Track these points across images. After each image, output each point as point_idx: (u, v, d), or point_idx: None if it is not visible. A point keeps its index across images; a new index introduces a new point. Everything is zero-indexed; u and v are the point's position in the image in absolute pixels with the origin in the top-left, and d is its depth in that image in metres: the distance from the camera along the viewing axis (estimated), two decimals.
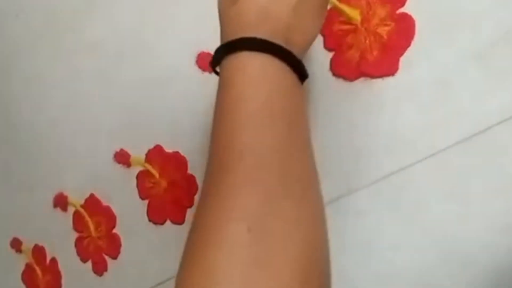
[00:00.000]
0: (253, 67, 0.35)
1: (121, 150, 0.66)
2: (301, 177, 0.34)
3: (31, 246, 0.78)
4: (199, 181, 0.61)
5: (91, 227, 0.70)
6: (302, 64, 0.36)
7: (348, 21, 0.51)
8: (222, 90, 0.36)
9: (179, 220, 0.63)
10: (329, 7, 0.51)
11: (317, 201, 0.35)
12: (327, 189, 0.55)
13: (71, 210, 0.72)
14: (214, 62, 0.38)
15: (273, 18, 0.35)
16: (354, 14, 0.51)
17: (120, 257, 0.69)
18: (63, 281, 0.75)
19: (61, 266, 0.75)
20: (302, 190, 0.34)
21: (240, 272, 0.29)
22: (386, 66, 0.50)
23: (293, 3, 0.36)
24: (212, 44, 0.60)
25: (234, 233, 0.30)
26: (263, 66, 0.35)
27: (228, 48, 0.36)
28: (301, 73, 0.37)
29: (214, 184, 0.33)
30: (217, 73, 0.38)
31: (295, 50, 0.36)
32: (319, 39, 0.53)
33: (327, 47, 0.53)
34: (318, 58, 0.53)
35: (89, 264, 0.72)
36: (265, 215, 0.31)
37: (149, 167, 0.64)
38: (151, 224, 0.65)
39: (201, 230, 0.32)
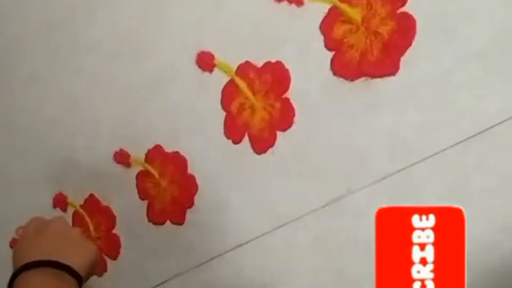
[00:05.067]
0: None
1: (121, 150, 0.66)
2: None
3: None
4: (199, 181, 0.61)
5: (91, 227, 0.70)
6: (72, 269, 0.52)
7: (349, 20, 0.51)
8: None
9: (179, 220, 0.63)
10: (329, 6, 0.51)
11: None
12: (327, 189, 0.56)
13: (70, 210, 0.72)
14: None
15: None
16: (355, 13, 0.51)
17: (119, 257, 0.68)
18: None
19: None
20: None
21: None
22: (387, 66, 0.50)
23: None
24: (212, 44, 0.61)
25: None
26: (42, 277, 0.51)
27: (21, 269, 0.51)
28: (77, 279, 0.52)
29: None
30: None
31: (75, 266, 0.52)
32: (320, 39, 0.53)
33: (328, 47, 0.52)
34: (318, 58, 0.53)
35: None
36: None
37: (149, 167, 0.64)
38: (151, 224, 0.65)
39: None
